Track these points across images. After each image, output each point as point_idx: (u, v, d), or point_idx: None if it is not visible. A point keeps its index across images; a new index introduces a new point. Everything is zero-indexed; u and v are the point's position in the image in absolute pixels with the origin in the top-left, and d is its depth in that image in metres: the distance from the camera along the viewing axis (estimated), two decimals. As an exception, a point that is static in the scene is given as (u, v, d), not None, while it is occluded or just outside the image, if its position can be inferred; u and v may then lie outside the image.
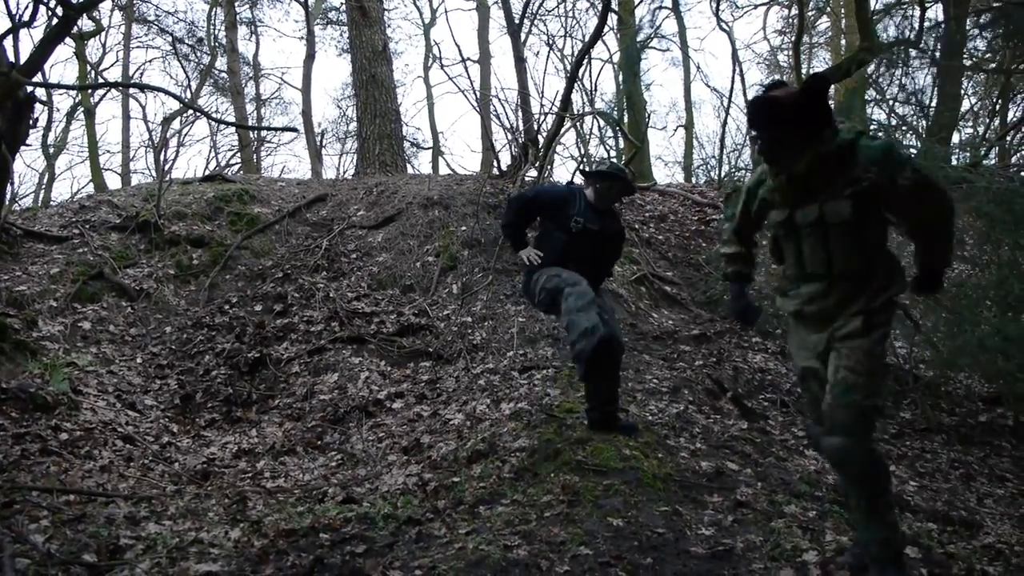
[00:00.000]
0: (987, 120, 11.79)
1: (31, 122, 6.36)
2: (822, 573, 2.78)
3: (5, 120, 5.85)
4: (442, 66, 31.05)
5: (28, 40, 21.50)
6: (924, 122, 9.88)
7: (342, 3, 17.31)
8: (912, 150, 6.43)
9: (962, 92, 11.09)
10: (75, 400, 4.79)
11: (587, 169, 4.59)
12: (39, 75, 5.71)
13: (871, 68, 9.99)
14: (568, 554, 2.83)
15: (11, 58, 5.56)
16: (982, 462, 4.87)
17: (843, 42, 15.73)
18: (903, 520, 3.52)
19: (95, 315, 6.14)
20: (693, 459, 3.96)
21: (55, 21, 5.08)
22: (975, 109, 12.35)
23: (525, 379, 5.28)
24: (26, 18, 4.96)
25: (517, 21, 12.66)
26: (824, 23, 17.96)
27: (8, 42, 5.26)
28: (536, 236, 4.45)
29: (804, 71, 12.62)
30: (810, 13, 15.86)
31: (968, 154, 9.65)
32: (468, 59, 16.64)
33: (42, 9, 5.12)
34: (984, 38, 9.51)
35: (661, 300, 7.22)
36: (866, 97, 10.57)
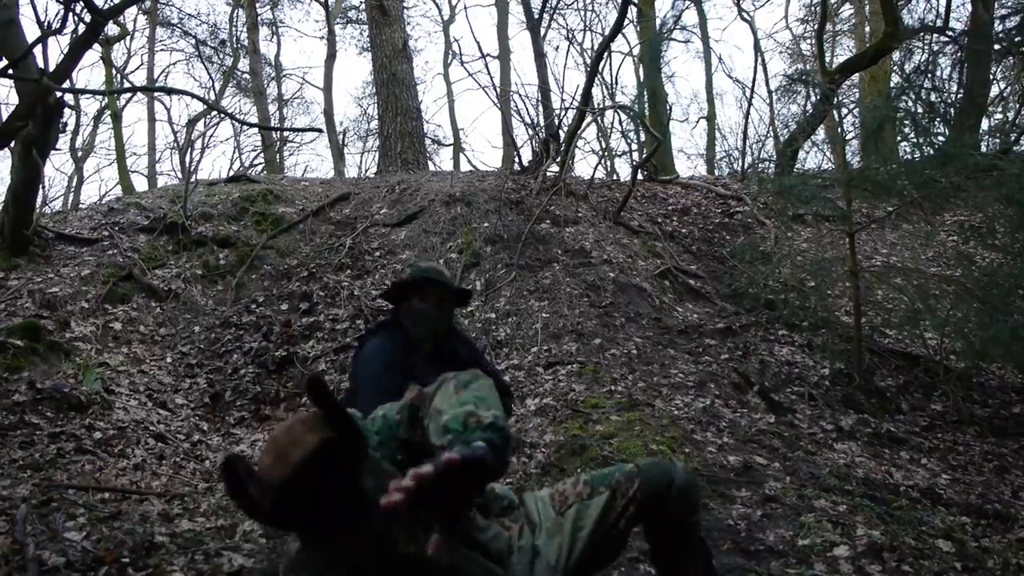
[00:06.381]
0: (1017, 105, 11.54)
1: (60, 127, 6.49)
2: (853, 568, 2.75)
3: (36, 125, 5.97)
4: (462, 63, 31.03)
5: (56, 47, 21.94)
6: (952, 109, 9.69)
7: (362, 2, 17.39)
8: (940, 138, 6.30)
9: (991, 77, 10.87)
10: (108, 400, 4.87)
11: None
12: (68, 81, 5.79)
13: (896, 55, 9.83)
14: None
15: (41, 65, 5.67)
16: (1016, 454, 4.78)
17: (867, 29, 15.49)
18: (936, 513, 3.47)
19: (125, 316, 6.24)
20: (720, 454, 3.93)
21: (83, 28, 5.16)
22: (1004, 94, 12.09)
23: (550, 375, 5.28)
24: (56, 25, 5.03)
25: (536, 16, 12.64)
26: (847, 10, 17.72)
27: (38, 49, 5.35)
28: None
29: (828, 59, 12.44)
30: (833, 0, 15.65)
31: (998, 140, 9.47)
32: (488, 55, 16.64)
33: (70, 16, 5.20)
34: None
35: (685, 294, 7.17)
36: (891, 84, 10.40)
